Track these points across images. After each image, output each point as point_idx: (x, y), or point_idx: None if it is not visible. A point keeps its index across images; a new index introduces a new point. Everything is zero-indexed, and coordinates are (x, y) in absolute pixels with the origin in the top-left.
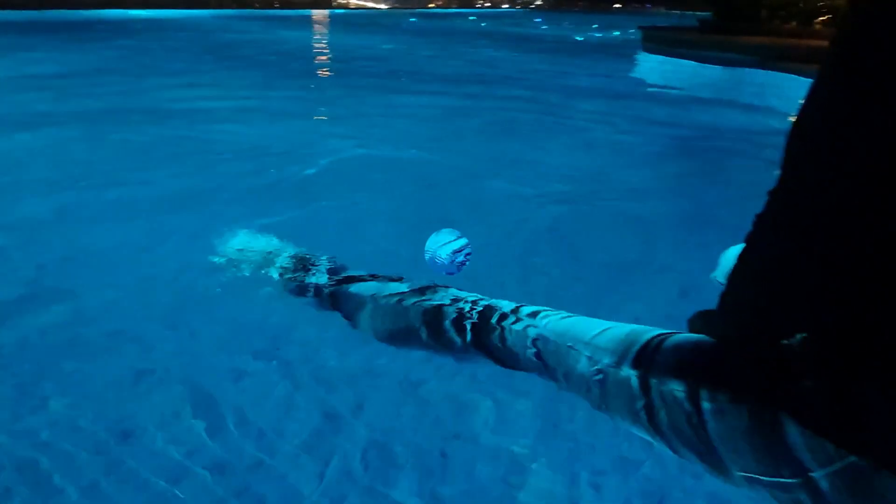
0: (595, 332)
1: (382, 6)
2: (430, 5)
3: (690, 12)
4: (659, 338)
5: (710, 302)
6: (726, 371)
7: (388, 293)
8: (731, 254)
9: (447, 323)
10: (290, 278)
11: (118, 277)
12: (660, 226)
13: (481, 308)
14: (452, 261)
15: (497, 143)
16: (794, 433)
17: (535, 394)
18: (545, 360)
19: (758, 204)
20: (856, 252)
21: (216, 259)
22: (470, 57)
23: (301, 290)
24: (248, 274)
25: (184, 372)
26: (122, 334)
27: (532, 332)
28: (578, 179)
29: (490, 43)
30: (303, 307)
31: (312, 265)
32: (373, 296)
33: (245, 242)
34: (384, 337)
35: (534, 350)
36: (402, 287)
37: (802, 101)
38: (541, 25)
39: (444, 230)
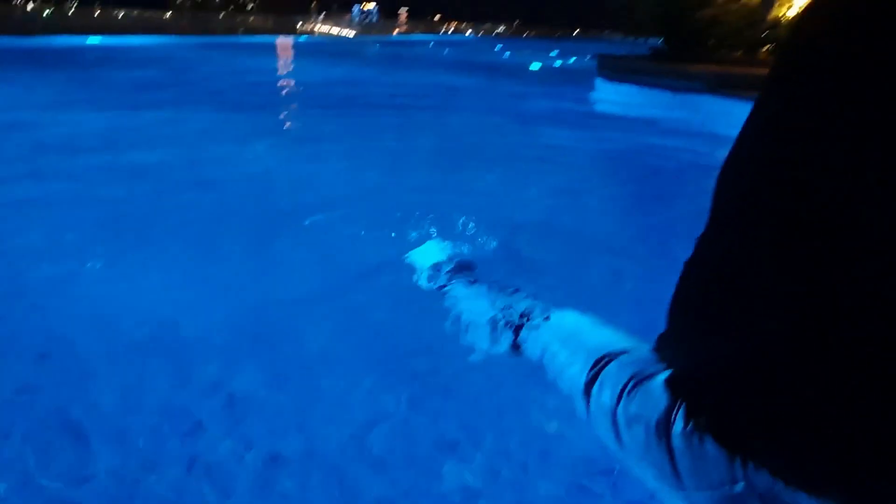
0: (584, 335)
1: (348, 32)
2: (395, 31)
3: (643, 39)
4: (623, 352)
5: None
6: (642, 389)
7: (474, 301)
8: None
9: (499, 335)
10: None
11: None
12: (615, 250)
13: (516, 323)
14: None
15: (455, 168)
16: (683, 459)
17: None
18: (544, 363)
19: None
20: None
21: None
22: (431, 84)
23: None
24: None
25: None
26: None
27: (538, 338)
28: (534, 202)
29: (452, 70)
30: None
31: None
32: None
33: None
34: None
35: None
36: (482, 288)
37: (734, 142)
38: (503, 53)
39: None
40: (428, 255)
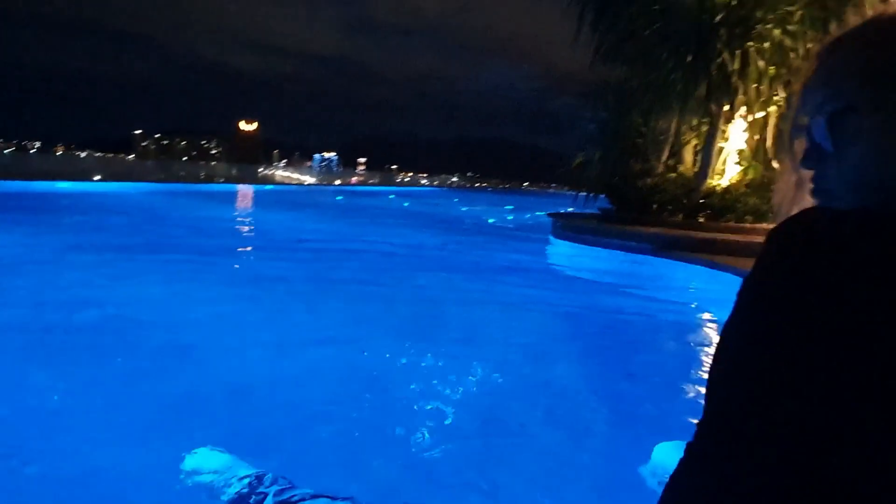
0: None
1: (308, 180)
2: (353, 180)
3: (592, 196)
4: None
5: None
6: None
7: None
8: (661, 449)
9: None
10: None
11: None
12: (576, 418)
13: None
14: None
15: (409, 337)
16: None
17: None
18: None
19: (662, 395)
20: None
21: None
22: (389, 242)
23: None
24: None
25: None
26: None
27: None
28: (492, 372)
29: (409, 224)
30: None
31: (260, 484)
32: None
33: (200, 462)
34: None
35: None
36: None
37: (720, 336)
38: (459, 206)
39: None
40: (226, 462)
